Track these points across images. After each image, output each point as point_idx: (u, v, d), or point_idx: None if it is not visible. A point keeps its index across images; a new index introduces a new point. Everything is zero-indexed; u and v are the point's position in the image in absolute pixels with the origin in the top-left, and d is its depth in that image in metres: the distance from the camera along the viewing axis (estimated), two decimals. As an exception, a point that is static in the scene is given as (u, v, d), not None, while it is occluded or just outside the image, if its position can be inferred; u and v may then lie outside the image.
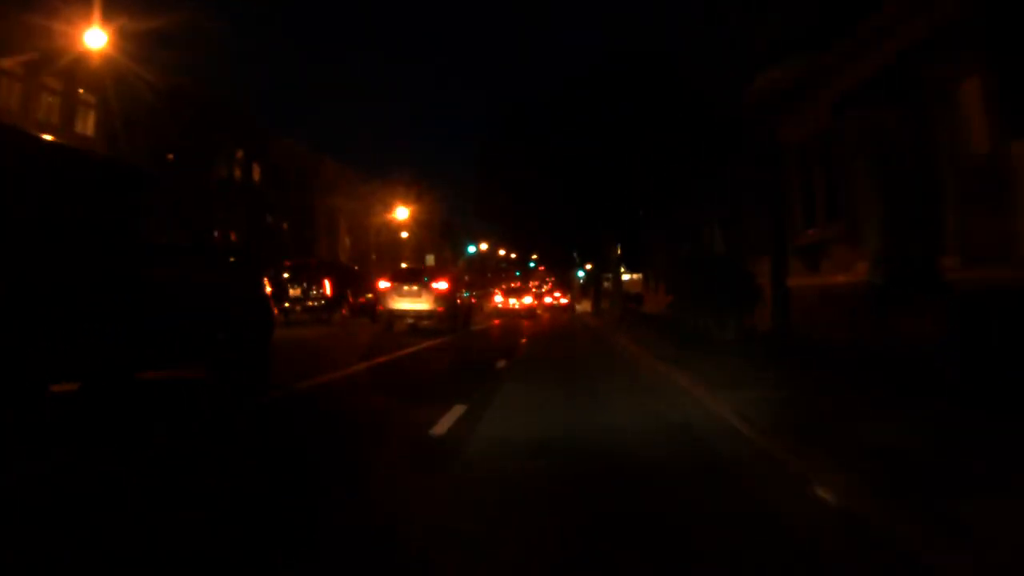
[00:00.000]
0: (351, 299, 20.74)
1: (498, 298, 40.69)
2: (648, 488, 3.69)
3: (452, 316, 17.86)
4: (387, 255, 52.73)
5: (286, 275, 19.03)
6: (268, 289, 8.40)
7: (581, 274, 65.12)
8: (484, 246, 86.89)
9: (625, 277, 35.09)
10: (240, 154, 34.33)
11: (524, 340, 16.50)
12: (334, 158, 46.31)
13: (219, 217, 32.15)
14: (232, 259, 8.43)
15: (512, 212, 26.13)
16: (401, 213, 45.17)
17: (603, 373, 9.52)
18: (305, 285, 18.98)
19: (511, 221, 27.84)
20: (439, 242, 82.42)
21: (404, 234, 59.15)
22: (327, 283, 19.04)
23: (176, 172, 27.36)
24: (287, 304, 18.58)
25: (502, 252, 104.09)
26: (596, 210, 24.56)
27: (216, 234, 31.74)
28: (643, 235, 27.57)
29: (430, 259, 61.87)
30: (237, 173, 34.40)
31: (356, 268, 27.20)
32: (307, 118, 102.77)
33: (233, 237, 33.46)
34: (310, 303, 18.94)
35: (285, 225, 38.60)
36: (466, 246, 69.41)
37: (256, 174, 36.16)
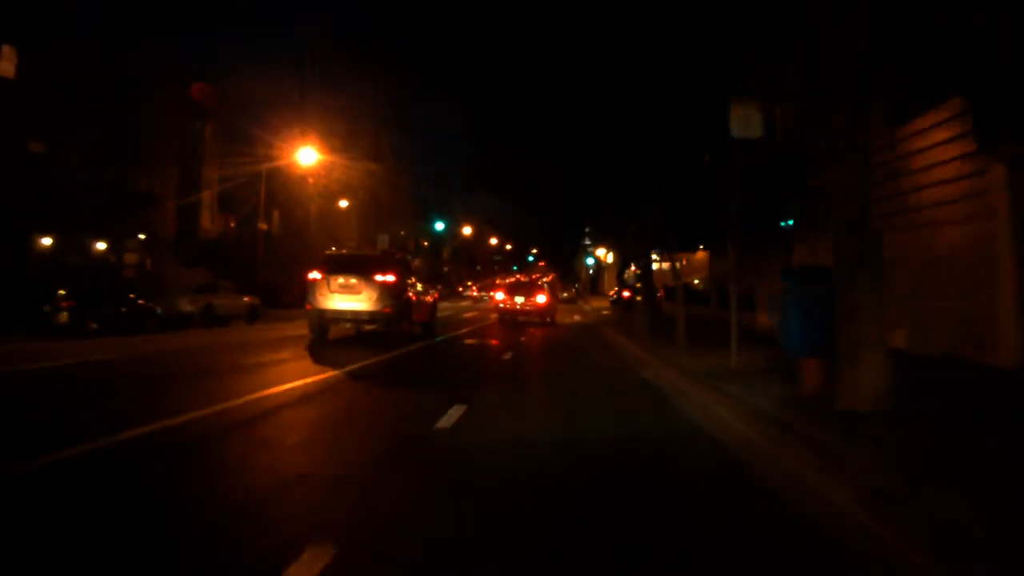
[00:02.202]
0: None
1: (499, 295, 30.28)
2: None
3: (402, 318, 13.87)
4: (323, 233, 36.48)
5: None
6: None
7: (591, 261, 48.15)
8: (468, 230, 70.23)
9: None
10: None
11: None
12: (207, 75, 29.55)
13: None
14: None
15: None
16: (307, 157, 28.16)
17: None
18: None
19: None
20: (415, 223, 65.88)
21: (343, 203, 42.69)
22: None
23: None
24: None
25: (494, 241, 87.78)
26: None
27: None
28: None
29: (383, 239, 45.07)
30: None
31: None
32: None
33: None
34: None
35: (72, 158, 21.57)
36: (434, 222, 52.13)
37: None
